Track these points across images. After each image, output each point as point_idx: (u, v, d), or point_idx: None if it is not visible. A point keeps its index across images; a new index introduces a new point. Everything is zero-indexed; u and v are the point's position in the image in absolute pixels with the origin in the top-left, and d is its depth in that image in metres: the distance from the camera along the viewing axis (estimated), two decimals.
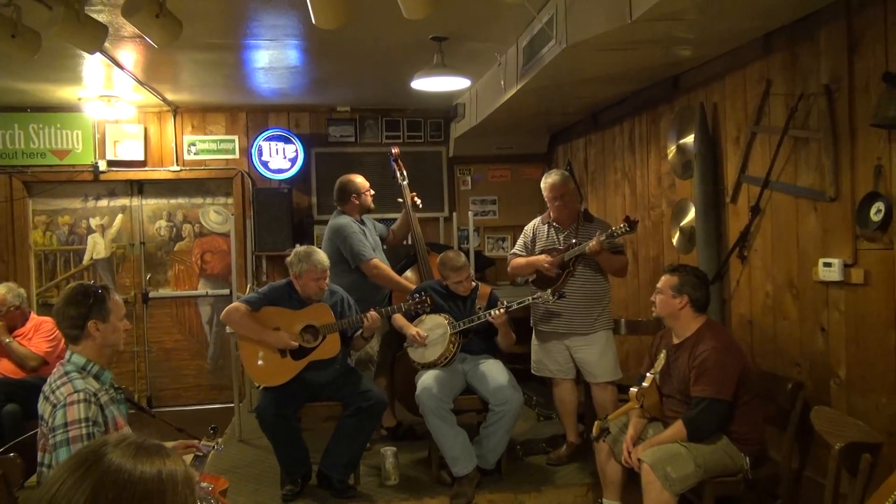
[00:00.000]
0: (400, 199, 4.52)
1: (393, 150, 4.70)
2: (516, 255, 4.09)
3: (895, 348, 2.64)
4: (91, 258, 6.25)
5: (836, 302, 2.95)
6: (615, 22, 3.02)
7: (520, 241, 4.13)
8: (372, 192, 4.47)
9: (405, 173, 4.61)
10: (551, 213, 4.00)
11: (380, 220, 4.75)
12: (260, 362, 3.64)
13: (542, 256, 3.89)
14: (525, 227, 4.16)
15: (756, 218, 3.43)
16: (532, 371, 4.12)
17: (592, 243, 3.65)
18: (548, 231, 4.00)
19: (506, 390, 3.65)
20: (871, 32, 2.70)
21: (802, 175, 3.12)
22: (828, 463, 2.56)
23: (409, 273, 4.64)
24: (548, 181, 3.97)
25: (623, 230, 3.60)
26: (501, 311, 3.68)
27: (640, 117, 4.74)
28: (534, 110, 5.12)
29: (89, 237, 6.26)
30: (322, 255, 3.72)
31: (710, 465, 2.84)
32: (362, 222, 4.41)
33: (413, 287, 4.18)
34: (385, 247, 4.57)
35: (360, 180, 4.43)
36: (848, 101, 2.83)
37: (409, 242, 4.59)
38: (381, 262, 4.29)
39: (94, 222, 6.28)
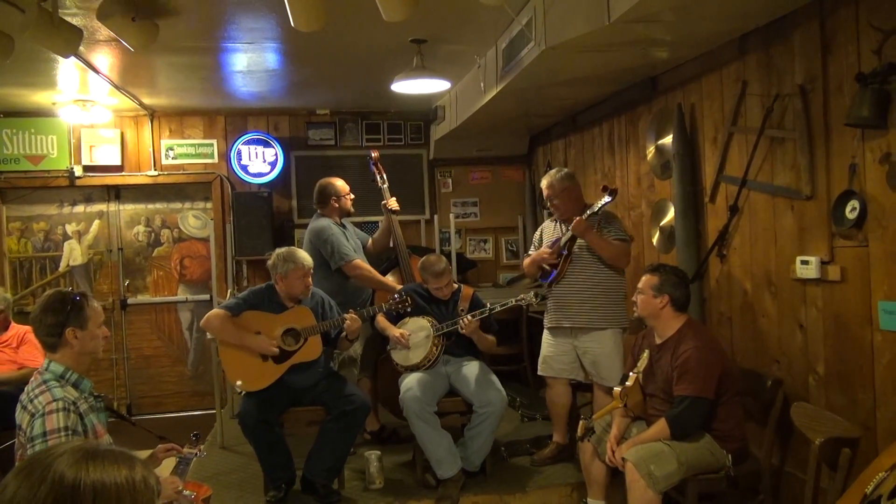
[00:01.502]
0: (384, 202, 4.51)
1: (372, 154, 4.69)
2: (527, 256, 4.09)
3: (871, 344, 2.69)
4: (67, 265, 6.17)
5: (813, 299, 2.99)
6: (594, 24, 3.04)
7: (532, 244, 4.15)
8: (352, 195, 4.47)
9: (385, 177, 4.60)
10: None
11: (359, 224, 4.73)
12: (239, 382, 3.59)
13: (542, 250, 3.89)
14: (536, 231, 4.19)
15: (734, 217, 3.47)
16: (538, 371, 4.06)
17: (575, 221, 3.66)
18: (554, 226, 4.01)
19: (489, 392, 3.66)
20: (844, 33, 2.74)
21: (779, 174, 3.17)
22: (808, 458, 2.60)
23: (389, 276, 4.63)
24: (543, 179, 3.98)
25: (604, 201, 3.62)
26: (471, 319, 3.69)
27: (619, 118, 4.78)
28: (513, 112, 5.14)
29: (65, 244, 6.17)
30: (305, 254, 3.75)
31: (692, 462, 2.87)
32: (343, 226, 4.40)
33: (396, 286, 4.18)
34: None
35: (339, 183, 4.43)
36: (822, 101, 2.87)
37: (391, 245, 4.58)
38: (363, 262, 4.28)
39: (70, 228, 6.19)
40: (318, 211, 4.42)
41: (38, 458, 1.03)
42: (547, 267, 3.85)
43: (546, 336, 4.02)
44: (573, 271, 3.80)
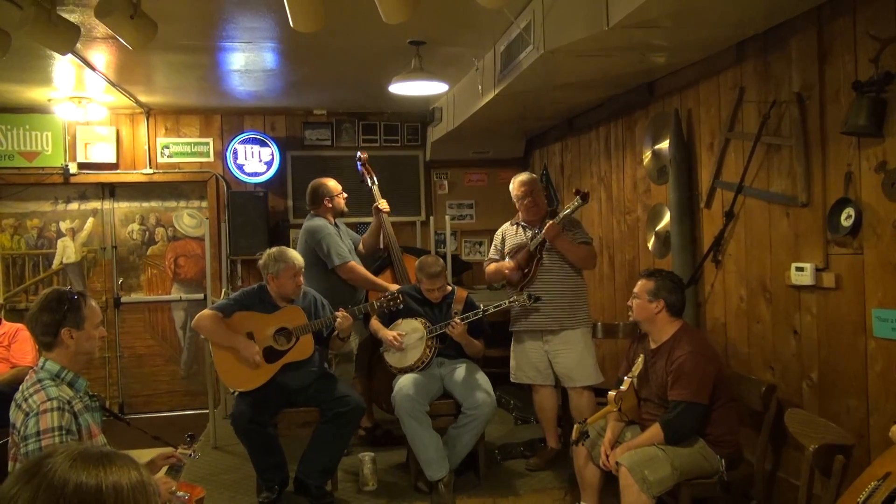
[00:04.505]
0: (376, 205, 4.51)
1: (360, 155, 4.69)
2: (491, 261, 4.13)
3: (865, 351, 2.70)
4: (61, 262, 6.13)
5: (808, 306, 3.00)
6: (592, 28, 3.05)
7: (492, 247, 4.19)
8: (345, 195, 4.47)
9: (375, 178, 4.60)
10: (521, 214, 4.04)
11: (352, 224, 4.73)
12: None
13: (506, 261, 3.94)
14: (495, 233, 4.20)
15: (730, 223, 3.48)
16: (511, 378, 4.09)
17: (547, 224, 3.69)
18: (517, 230, 4.05)
19: (479, 394, 3.66)
20: (841, 42, 2.76)
21: (775, 181, 3.18)
22: (801, 464, 2.61)
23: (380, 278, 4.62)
24: (518, 179, 4.05)
25: (576, 204, 3.65)
26: (459, 321, 3.69)
27: (616, 123, 4.79)
28: (511, 115, 5.14)
29: (59, 241, 6.14)
30: (295, 253, 3.75)
31: (686, 467, 2.87)
32: (336, 226, 4.41)
33: (390, 287, 4.18)
34: None
35: (332, 183, 4.44)
36: (819, 108, 2.89)
37: (382, 246, 4.59)
38: (357, 265, 4.28)
39: (64, 226, 6.16)
40: (312, 211, 4.42)
41: (42, 463, 1.03)
42: (512, 277, 3.89)
43: (515, 344, 4.05)
44: (541, 274, 3.86)
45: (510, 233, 4.09)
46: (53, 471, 1.01)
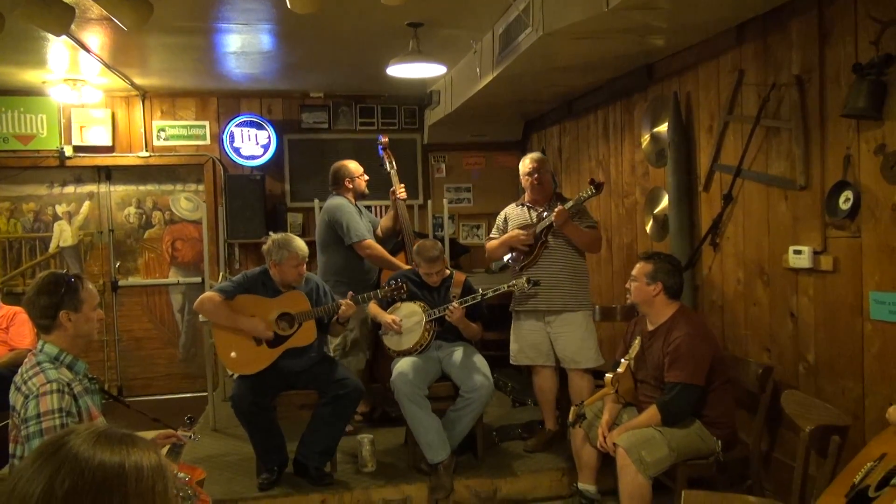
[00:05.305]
0: (393, 189, 4.51)
1: (382, 139, 4.70)
2: (491, 239, 4.12)
3: (861, 333, 2.72)
4: (57, 246, 6.13)
5: (805, 288, 3.02)
6: (591, 10, 3.03)
7: (495, 227, 4.18)
8: (366, 177, 4.50)
9: (394, 163, 4.60)
10: (527, 194, 4.03)
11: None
12: (233, 354, 3.60)
13: (516, 231, 3.92)
14: (499, 214, 4.19)
15: (728, 206, 3.48)
16: (511, 361, 4.10)
17: (557, 210, 3.69)
18: (521, 211, 4.04)
19: (476, 377, 3.67)
20: (842, 24, 2.75)
21: (774, 164, 3.18)
22: (797, 445, 2.63)
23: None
24: (529, 156, 4.03)
25: (589, 193, 3.64)
26: (456, 306, 3.70)
27: (615, 106, 4.77)
28: (509, 98, 5.12)
29: (55, 224, 6.13)
30: (301, 242, 3.70)
31: (683, 448, 2.90)
32: (357, 207, 4.44)
33: (404, 267, 4.20)
34: None
35: (353, 165, 4.48)
36: (819, 91, 2.88)
37: (396, 230, 4.62)
38: (374, 243, 4.33)
39: (60, 209, 6.15)
40: (333, 192, 4.45)
41: (65, 439, 1.03)
42: (521, 247, 3.88)
43: (516, 325, 4.05)
44: (545, 255, 3.86)
45: (514, 213, 4.07)
46: (77, 447, 1.01)
